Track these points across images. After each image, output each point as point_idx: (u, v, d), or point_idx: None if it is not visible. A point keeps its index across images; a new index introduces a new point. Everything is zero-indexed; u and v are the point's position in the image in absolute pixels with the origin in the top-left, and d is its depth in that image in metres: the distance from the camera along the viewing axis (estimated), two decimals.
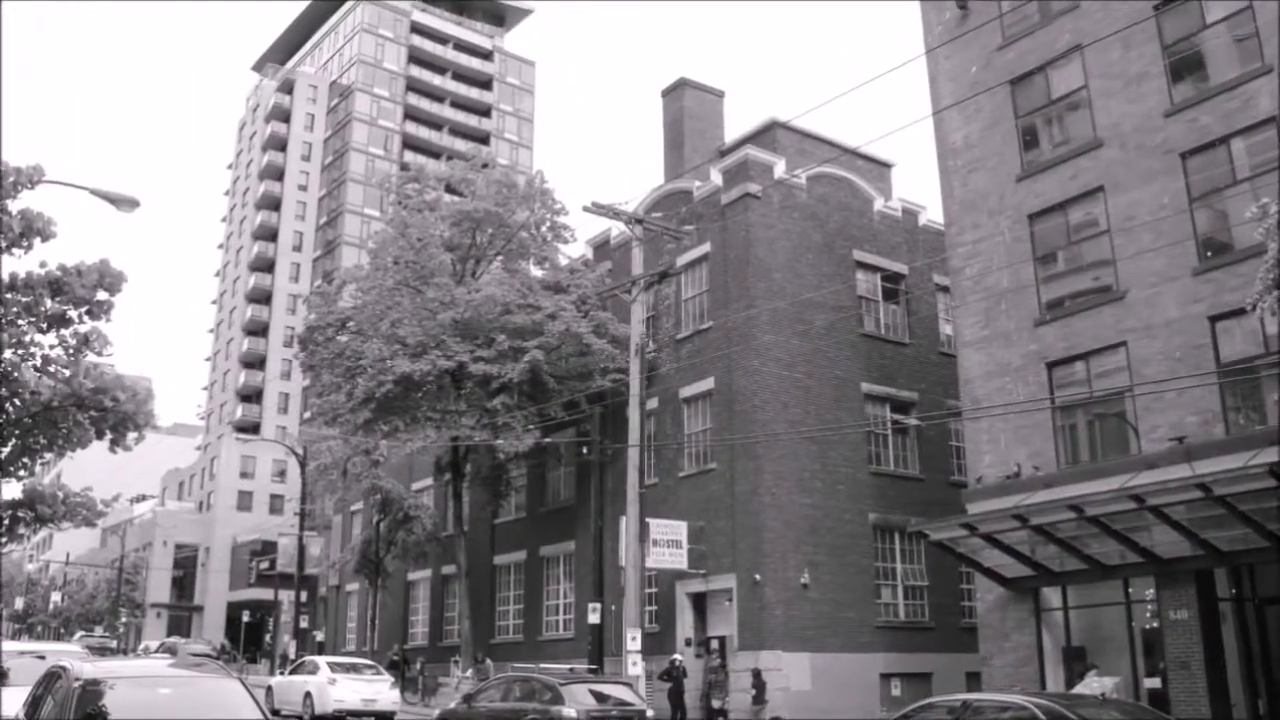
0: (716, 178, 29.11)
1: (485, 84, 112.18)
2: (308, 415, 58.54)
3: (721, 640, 26.58)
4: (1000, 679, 21.60)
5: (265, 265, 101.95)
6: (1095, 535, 19.09)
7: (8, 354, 21.95)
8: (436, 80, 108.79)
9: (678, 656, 25.21)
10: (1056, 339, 21.74)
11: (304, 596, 45.32)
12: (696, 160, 32.64)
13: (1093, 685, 18.25)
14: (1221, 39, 20.22)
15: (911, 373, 29.86)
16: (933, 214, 30.74)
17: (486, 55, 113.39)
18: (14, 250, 21.25)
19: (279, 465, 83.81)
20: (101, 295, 22.60)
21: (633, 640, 22.56)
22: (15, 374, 21.99)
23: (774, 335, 27.15)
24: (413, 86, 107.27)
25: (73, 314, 22.63)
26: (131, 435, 24.24)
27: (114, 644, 60.83)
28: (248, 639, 68.58)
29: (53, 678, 9.76)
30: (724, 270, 28.26)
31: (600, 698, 17.80)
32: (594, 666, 24.98)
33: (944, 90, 24.82)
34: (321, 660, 28.76)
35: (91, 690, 8.87)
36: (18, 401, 22.42)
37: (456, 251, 33.58)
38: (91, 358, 23.39)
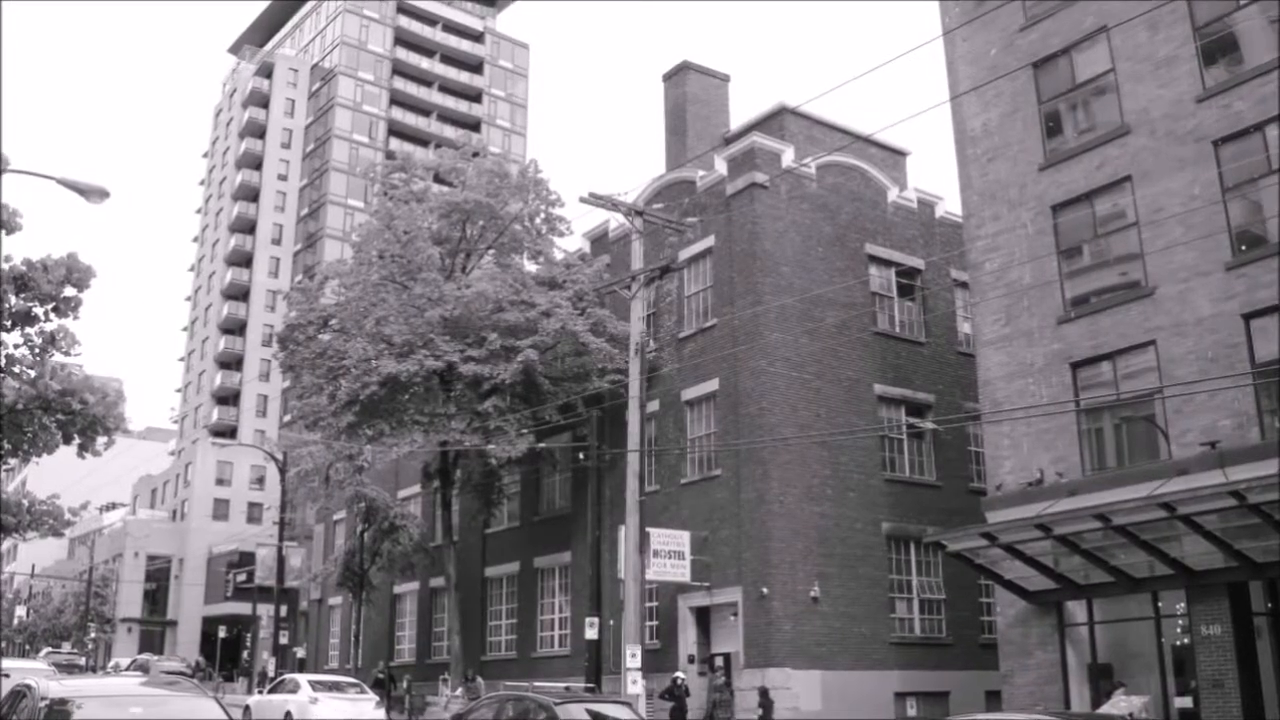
0: (721, 167, 29.13)
1: (476, 68, 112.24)
2: (288, 418, 58.60)
3: (726, 657, 26.61)
4: (1022, 698, 21.61)
5: (243, 259, 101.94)
6: (1123, 546, 19.10)
7: None
8: (424, 63, 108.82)
9: (680, 674, 25.23)
10: (1081, 337, 21.75)
11: (284, 611, 45.32)
12: (700, 148, 32.65)
13: (1120, 705, 18.30)
14: (1256, 20, 20.22)
15: (928, 373, 29.89)
16: (950, 205, 30.78)
17: (477, 37, 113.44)
18: None
19: (257, 472, 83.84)
20: (69, 291, 22.66)
21: (632, 657, 22.55)
22: None
23: (782, 334, 27.16)
24: (399, 70, 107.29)
25: (39, 311, 22.70)
26: (101, 439, 24.31)
27: (82, 661, 60.84)
28: (224, 656, 68.51)
29: (17, 697, 9.76)
30: (729, 265, 28.28)
31: (598, 717, 17.79)
32: (591, 685, 24.96)
33: (962, 74, 24.84)
34: (302, 678, 28.86)
35: (59, 710, 8.87)
36: None
37: (445, 245, 33.61)
38: (59, 357, 23.46)
